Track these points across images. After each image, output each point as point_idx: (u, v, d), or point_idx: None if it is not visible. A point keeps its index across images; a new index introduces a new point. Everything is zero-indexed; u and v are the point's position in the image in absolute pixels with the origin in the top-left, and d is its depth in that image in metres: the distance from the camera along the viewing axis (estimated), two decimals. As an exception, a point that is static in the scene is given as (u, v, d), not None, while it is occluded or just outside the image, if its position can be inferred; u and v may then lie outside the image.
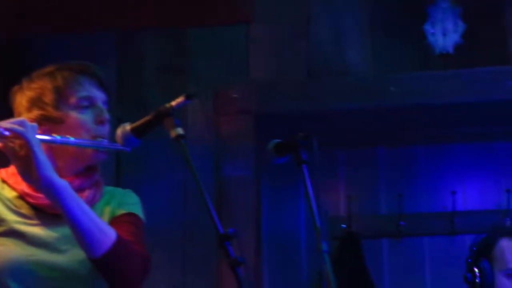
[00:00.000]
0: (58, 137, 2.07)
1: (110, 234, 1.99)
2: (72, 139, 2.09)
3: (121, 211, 2.18)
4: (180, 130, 1.97)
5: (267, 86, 4.03)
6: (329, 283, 2.02)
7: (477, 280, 2.82)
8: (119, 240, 1.99)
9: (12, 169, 2.12)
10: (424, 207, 4.37)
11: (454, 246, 4.27)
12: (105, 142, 2.15)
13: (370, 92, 3.91)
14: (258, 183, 4.10)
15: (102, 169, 2.26)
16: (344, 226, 4.34)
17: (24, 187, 2.09)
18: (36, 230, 2.06)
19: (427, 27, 3.98)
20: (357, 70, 4.08)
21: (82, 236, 1.96)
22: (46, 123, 2.12)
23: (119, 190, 2.28)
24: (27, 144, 1.92)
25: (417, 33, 4.02)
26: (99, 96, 2.20)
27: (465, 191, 4.36)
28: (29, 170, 1.92)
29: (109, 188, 2.26)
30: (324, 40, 4.13)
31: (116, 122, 2.14)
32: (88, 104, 2.17)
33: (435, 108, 3.94)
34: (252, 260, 3.82)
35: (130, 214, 2.19)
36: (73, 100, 2.16)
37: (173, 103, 2.01)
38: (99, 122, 2.17)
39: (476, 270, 2.83)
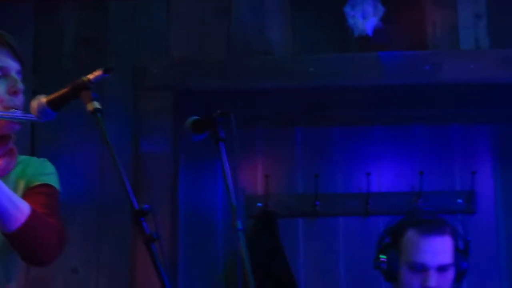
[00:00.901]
0: (-32, 107, 2.02)
1: (23, 209, 1.95)
2: (-17, 109, 2.05)
3: (36, 182, 2.15)
4: (97, 104, 1.94)
5: (187, 62, 4.01)
6: (243, 261, 2.03)
7: (383, 267, 2.83)
8: (33, 214, 1.96)
9: None
10: (339, 188, 4.42)
11: (367, 227, 4.33)
12: (18, 113, 2.11)
13: (290, 72, 3.93)
14: (176, 159, 4.09)
15: (16, 142, 2.22)
16: (261, 204, 4.36)
17: None
18: None
19: (347, 9, 4.02)
20: (278, 49, 4.09)
21: (-6, 210, 1.92)
22: (-43, 92, 2.07)
23: (34, 159, 2.25)
24: None
25: (338, 15, 4.05)
26: (13, 66, 2.15)
27: (380, 173, 4.42)
28: None
29: (24, 157, 2.22)
30: (245, 18, 4.13)
31: (32, 94, 2.10)
32: (1, 74, 2.13)
33: (353, 90, 3.98)
34: (168, 236, 3.80)
35: (46, 185, 2.16)
36: (-16, 69, 2.11)
37: (91, 76, 1.98)
38: (13, 92, 2.13)
39: (383, 258, 2.82)
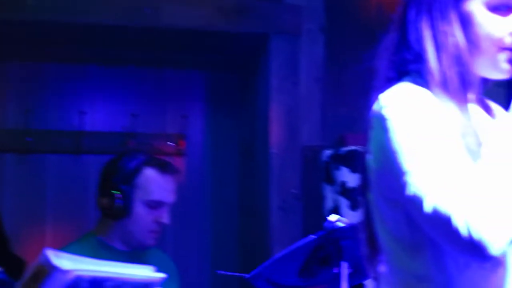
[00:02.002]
0: None
1: None
2: None
3: None
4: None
5: None
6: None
7: (114, 204, 2.81)
8: None
9: None
10: (52, 125, 4.35)
11: (79, 166, 4.32)
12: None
13: (6, 3, 3.77)
14: None
15: None
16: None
17: None
18: None
19: None
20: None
21: None
22: None
23: None
24: None
25: None
26: None
27: (93, 112, 4.41)
28: None
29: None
30: None
31: None
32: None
33: (70, 26, 3.91)
34: None
35: None
36: None
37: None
38: None
39: (117, 194, 2.81)
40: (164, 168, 2.88)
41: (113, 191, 2.81)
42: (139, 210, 2.83)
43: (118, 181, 2.82)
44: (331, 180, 3.76)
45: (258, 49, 4.10)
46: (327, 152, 3.80)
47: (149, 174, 2.85)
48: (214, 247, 4.50)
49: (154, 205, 2.84)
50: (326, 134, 3.92)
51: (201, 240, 4.49)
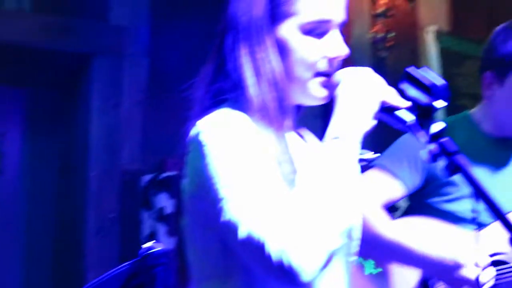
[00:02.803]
0: None
1: None
2: None
3: None
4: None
5: None
6: None
7: None
8: None
9: None
10: None
11: None
12: None
13: None
14: None
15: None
16: None
17: None
18: None
19: None
20: None
21: None
22: None
23: None
24: None
25: None
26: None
27: None
28: None
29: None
30: None
31: None
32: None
33: None
34: None
35: None
36: None
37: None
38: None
39: None
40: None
41: None
42: None
43: None
44: (149, 205, 3.74)
45: (80, 69, 4.03)
46: (147, 177, 3.78)
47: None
48: (26, 269, 4.37)
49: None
50: (147, 158, 3.90)
51: (13, 263, 4.34)
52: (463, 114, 2.68)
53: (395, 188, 2.56)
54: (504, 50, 2.53)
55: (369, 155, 1.64)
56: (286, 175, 1.51)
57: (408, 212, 2.68)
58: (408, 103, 1.57)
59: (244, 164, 1.48)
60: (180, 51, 3.94)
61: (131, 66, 3.98)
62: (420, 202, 2.59)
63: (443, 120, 2.62)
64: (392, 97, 1.58)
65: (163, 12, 4.03)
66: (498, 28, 2.59)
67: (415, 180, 2.55)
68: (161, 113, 3.92)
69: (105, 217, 3.83)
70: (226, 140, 1.51)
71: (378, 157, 2.56)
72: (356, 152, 1.53)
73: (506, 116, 2.57)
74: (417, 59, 4.48)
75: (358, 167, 1.53)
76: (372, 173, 2.57)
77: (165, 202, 3.68)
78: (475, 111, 2.66)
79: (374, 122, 1.57)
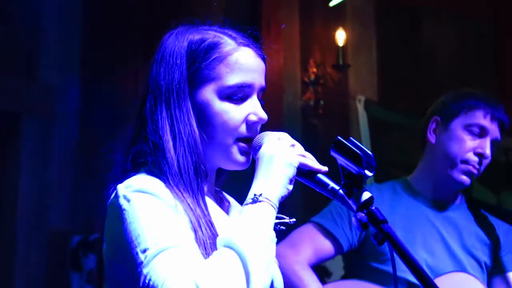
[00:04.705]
0: None
1: None
2: None
3: None
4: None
5: None
6: None
7: None
8: None
9: None
10: None
11: None
12: None
13: None
14: None
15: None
16: None
17: None
18: None
19: None
20: None
21: None
22: None
23: None
24: None
25: None
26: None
27: None
28: None
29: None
30: None
31: None
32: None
33: None
34: None
35: None
36: None
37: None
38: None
39: None
40: None
41: None
42: None
43: None
44: (79, 267, 3.67)
45: (9, 128, 3.98)
46: (76, 238, 3.72)
47: None
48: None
49: None
50: (76, 220, 3.84)
51: None
52: (402, 178, 2.72)
53: (329, 246, 2.57)
54: (453, 99, 2.63)
55: (287, 219, 1.64)
56: (203, 239, 1.51)
57: (349, 271, 2.69)
58: (326, 168, 1.59)
59: (161, 229, 1.48)
60: (110, 112, 3.91)
61: (61, 127, 3.94)
62: (359, 262, 2.60)
63: (380, 185, 2.66)
64: (310, 161, 1.59)
65: (93, 73, 4.01)
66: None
67: (351, 239, 2.56)
68: (91, 173, 3.87)
69: (33, 280, 3.76)
70: (143, 205, 1.50)
71: (316, 215, 2.58)
72: (272, 215, 1.54)
73: (441, 176, 2.61)
74: (347, 127, 4.54)
75: (273, 232, 1.53)
76: (306, 229, 2.58)
77: (94, 264, 3.62)
78: (412, 176, 2.70)
79: (291, 187, 1.57)
